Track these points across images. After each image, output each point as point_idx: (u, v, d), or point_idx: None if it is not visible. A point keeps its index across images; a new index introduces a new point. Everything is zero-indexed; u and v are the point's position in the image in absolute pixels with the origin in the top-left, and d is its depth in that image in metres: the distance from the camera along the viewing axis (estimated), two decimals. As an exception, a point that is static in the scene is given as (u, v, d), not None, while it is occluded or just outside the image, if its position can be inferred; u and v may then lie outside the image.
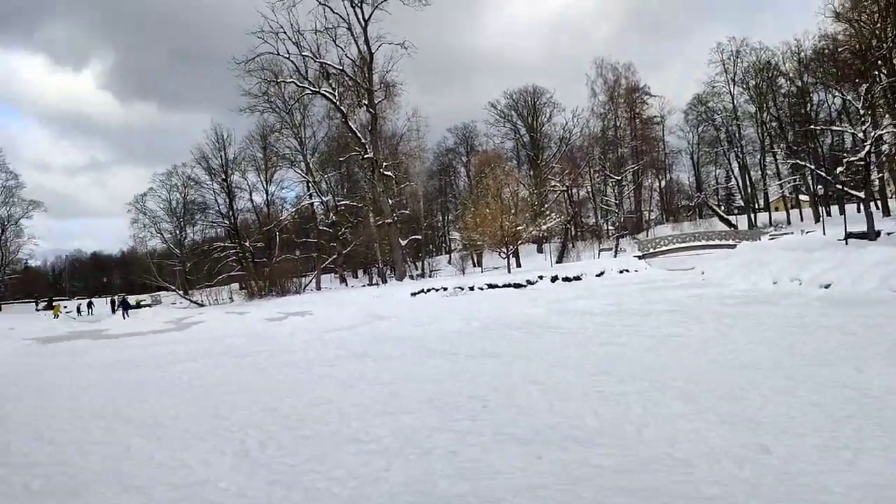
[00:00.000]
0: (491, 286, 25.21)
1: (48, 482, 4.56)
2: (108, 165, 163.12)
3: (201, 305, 45.40)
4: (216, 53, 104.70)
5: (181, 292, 52.78)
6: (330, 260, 52.84)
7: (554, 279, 26.11)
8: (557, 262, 43.27)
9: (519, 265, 44.92)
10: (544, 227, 42.97)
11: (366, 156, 43.75)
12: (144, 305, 55.33)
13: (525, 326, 12.04)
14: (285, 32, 41.22)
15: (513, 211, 36.81)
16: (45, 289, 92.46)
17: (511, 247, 36.01)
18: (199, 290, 50.26)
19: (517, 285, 25.29)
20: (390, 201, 44.81)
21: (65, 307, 49.04)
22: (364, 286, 47.23)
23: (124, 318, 35.33)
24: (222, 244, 57.98)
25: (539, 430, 4.97)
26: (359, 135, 44.13)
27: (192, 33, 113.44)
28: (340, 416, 5.98)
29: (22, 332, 27.69)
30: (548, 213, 45.91)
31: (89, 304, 52.40)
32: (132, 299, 57.99)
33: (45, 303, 79.86)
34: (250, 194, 58.84)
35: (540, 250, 54.74)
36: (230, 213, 57.33)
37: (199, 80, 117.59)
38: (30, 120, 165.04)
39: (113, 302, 46.64)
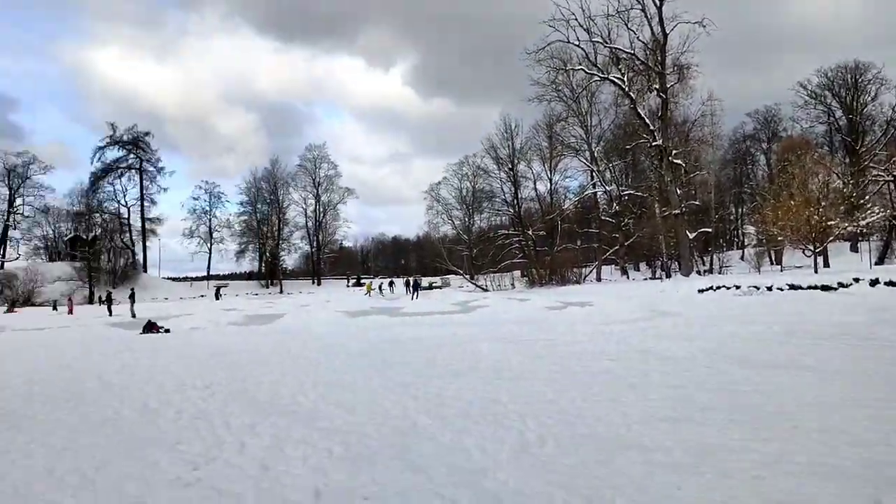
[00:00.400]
0: (793, 287, 22.29)
1: (347, 450, 4.80)
2: (408, 157, 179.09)
3: (485, 290, 47.52)
4: (507, 47, 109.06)
5: (467, 276, 55.87)
6: (612, 251, 51.80)
7: (874, 283, 22.25)
8: (877, 264, 37.16)
9: (827, 265, 39.60)
10: (862, 223, 37.15)
11: (654, 143, 41.95)
12: (435, 287, 59.84)
13: (838, 336, 10.25)
14: (576, 19, 41.15)
15: (822, 203, 32.30)
16: (355, 267, 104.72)
17: (819, 244, 31.64)
18: (484, 275, 52.74)
19: (826, 287, 22.01)
20: (679, 191, 42.35)
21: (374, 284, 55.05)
22: (646, 279, 45.49)
23: (413, 298, 38.35)
24: (506, 232, 60.21)
25: (871, 464, 3.98)
26: (647, 121, 42.43)
27: (485, 30, 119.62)
28: (622, 417, 5.49)
29: (335, 305, 31.55)
30: (867, 206, 39.61)
31: (391, 283, 58.04)
32: (424, 281, 62.99)
33: (355, 280, 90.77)
34: (534, 183, 60.22)
35: (854, 249, 47.76)
36: (515, 201, 59.24)
37: (490, 74, 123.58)
38: (348, 116, 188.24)
39: (407, 282, 50.95)
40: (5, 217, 71.09)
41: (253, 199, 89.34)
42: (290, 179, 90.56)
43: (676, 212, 41.33)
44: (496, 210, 63.27)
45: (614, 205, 52.61)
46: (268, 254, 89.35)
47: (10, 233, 72.77)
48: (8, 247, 72.51)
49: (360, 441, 5.04)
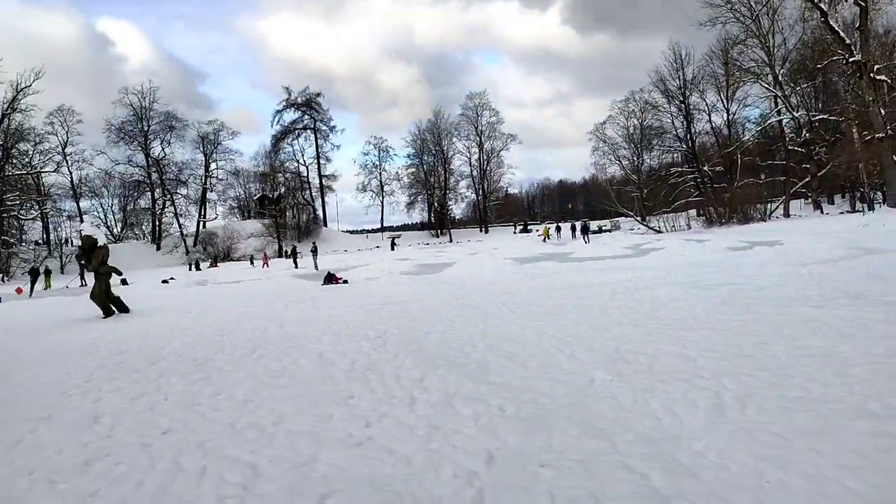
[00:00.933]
0: None
1: (520, 408, 4.48)
2: (570, 97, 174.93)
3: (658, 232, 45.30)
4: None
5: (638, 218, 53.51)
6: (801, 184, 47.13)
7: None
8: None
9: None
10: None
11: (851, 59, 37.09)
12: (604, 230, 58.06)
13: None
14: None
15: None
16: (521, 214, 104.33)
17: None
18: (656, 216, 50.24)
19: None
20: (883, 112, 37.23)
21: (536, 230, 54.36)
22: (844, 213, 40.94)
23: (586, 242, 37.32)
24: (679, 169, 56.72)
25: None
26: (842, 35, 37.48)
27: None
28: (840, 376, 4.65)
29: (503, 252, 31.49)
30: None
31: (557, 228, 57.13)
32: (593, 224, 61.29)
33: (521, 226, 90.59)
34: (709, 115, 55.90)
35: None
36: (688, 136, 55.40)
37: (653, 2, 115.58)
38: (505, 61, 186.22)
39: (573, 227, 49.74)
40: (203, 181, 78.35)
41: (419, 152, 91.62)
42: (453, 129, 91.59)
43: (881, 135, 36.47)
44: (667, 147, 59.78)
45: (803, 132, 47.39)
46: (436, 204, 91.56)
47: (208, 195, 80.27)
48: (207, 208, 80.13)
49: (534, 399, 4.68)
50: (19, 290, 30.56)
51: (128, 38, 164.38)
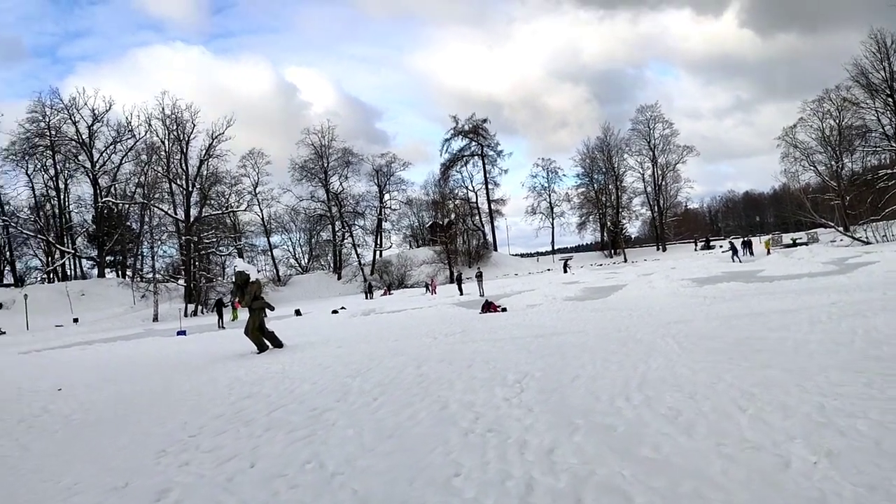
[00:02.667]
0: None
1: None
2: (751, 104, 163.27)
3: (866, 243, 39.76)
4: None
5: (840, 229, 47.44)
6: None
7: None
8: None
9: None
10: None
11: None
12: (799, 244, 52.15)
13: None
14: None
15: None
16: (702, 229, 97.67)
17: None
18: (862, 225, 44.20)
19: None
20: None
21: (720, 246, 49.92)
22: None
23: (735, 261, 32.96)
24: (889, 171, 49.67)
25: None
26: None
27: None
28: None
29: (680, 272, 28.92)
30: None
31: (744, 244, 52.22)
32: (786, 237, 55.54)
33: (703, 242, 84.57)
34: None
35: None
36: (898, 134, 48.42)
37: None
38: (679, 71, 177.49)
39: (746, 242, 45.09)
40: (377, 212, 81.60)
41: (588, 171, 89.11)
42: (623, 145, 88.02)
43: None
44: (872, 147, 52.56)
45: None
46: (609, 223, 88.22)
47: (383, 225, 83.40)
48: (382, 237, 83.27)
49: (698, 492, 3.31)
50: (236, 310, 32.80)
51: (311, 83, 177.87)
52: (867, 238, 41.04)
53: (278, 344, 13.46)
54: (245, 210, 70.94)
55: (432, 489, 3.79)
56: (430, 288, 43.97)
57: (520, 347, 9.60)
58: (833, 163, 59.03)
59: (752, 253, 43.52)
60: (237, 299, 13.67)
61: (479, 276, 34.00)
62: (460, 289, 35.91)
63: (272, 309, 13.79)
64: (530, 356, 8.59)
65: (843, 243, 43.96)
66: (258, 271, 14.90)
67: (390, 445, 4.85)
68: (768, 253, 42.87)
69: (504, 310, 18.46)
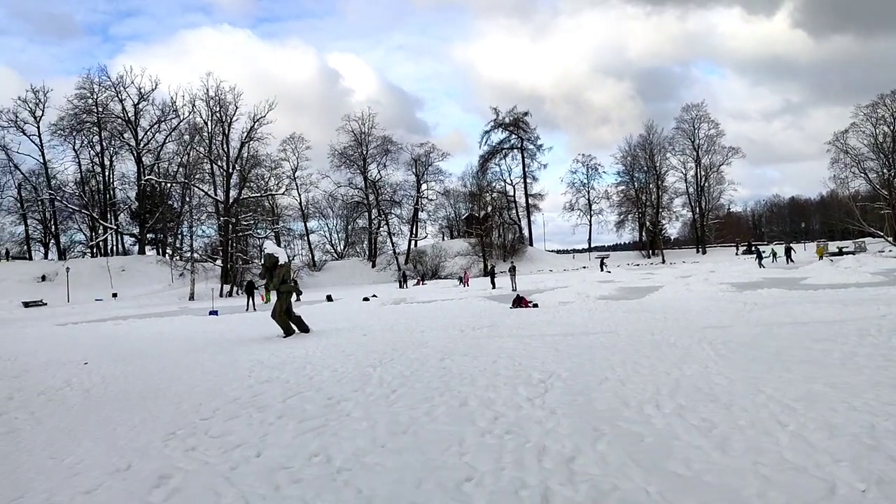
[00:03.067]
0: None
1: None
2: (801, 107, 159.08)
3: (917, 254, 38.35)
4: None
5: (890, 239, 45.81)
6: None
7: None
8: None
9: None
10: None
11: None
12: (846, 252, 50.52)
13: None
14: None
15: None
16: (745, 233, 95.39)
17: None
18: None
19: None
20: None
21: (764, 251, 48.47)
22: None
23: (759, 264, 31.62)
24: (946, 181, 47.82)
25: None
26: None
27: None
28: None
29: (720, 276, 28.16)
30: None
31: (787, 251, 50.87)
32: (833, 245, 53.99)
33: (745, 247, 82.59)
34: None
35: None
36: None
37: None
38: (726, 71, 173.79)
39: (788, 249, 43.64)
40: (415, 201, 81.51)
41: (629, 169, 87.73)
42: (666, 144, 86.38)
43: None
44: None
45: None
46: (647, 223, 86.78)
47: (420, 215, 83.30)
48: (418, 227, 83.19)
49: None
50: (263, 298, 32.99)
51: (354, 70, 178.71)
52: (919, 249, 39.56)
53: (305, 329, 13.36)
54: (283, 194, 71.49)
55: (440, 494, 3.54)
56: (462, 280, 43.70)
57: (548, 346, 9.29)
58: (885, 170, 57.06)
59: (791, 260, 42.13)
60: (266, 283, 13.57)
61: (513, 271, 33.58)
62: (493, 282, 35.55)
63: (300, 294, 13.70)
64: (558, 355, 8.28)
65: (892, 254, 42.43)
66: (289, 256, 14.80)
67: (403, 442, 4.61)
68: (821, 258, 41.45)
69: (535, 306, 18.10)
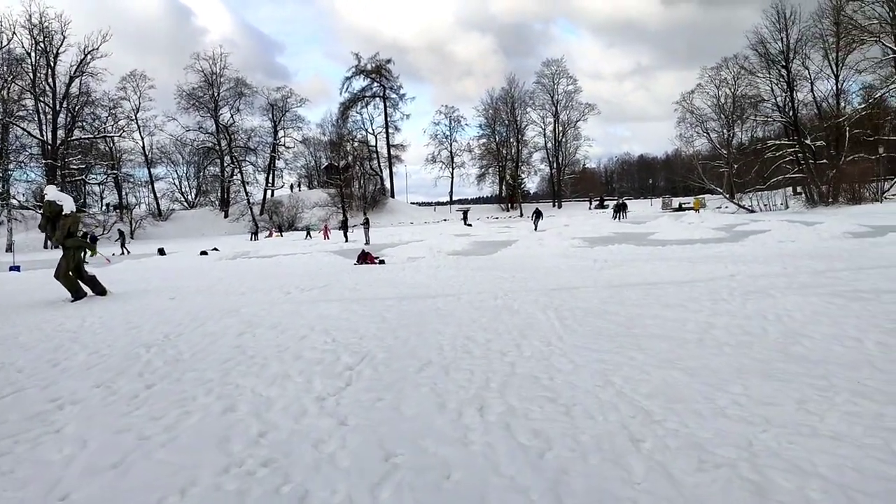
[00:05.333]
0: None
1: None
2: (650, 70, 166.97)
3: (751, 211, 40.76)
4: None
5: (727, 195, 48.59)
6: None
7: None
8: None
9: None
10: None
11: None
12: (686, 208, 53.22)
13: None
14: None
15: None
16: (598, 189, 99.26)
17: None
18: (748, 193, 45.36)
19: None
20: None
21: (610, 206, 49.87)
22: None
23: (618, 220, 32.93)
24: (778, 142, 51.11)
25: None
26: None
27: None
28: None
29: (573, 230, 28.17)
30: None
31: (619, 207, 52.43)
32: (675, 201, 56.71)
33: (598, 202, 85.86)
34: (811, 84, 49.68)
35: None
36: (790, 105, 49.56)
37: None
38: (584, 32, 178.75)
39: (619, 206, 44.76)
40: (271, 149, 77.30)
41: (491, 122, 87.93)
42: (527, 98, 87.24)
43: None
44: (764, 117, 53.74)
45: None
46: (508, 177, 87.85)
47: (277, 164, 79.24)
48: (274, 176, 79.21)
49: None
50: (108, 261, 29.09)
51: (208, 8, 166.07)
52: (752, 206, 42.05)
53: (100, 290, 11.21)
54: (121, 136, 64.88)
55: None
56: (322, 233, 41.67)
57: (376, 313, 7.91)
58: (725, 131, 60.49)
59: (625, 216, 43.15)
60: (48, 235, 11.09)
61: (366, 224, 32.06)
62: (345, 236, 33.97)
63: (93, 249, 11.44)
64: (382, 327, 6.93)
65: (729, 210, 45.02)
66: (77, 203, 12.34)
67: (95, 488, 3.04)
68: (697, 211, 42.68)
69: (382, 262, 16.77)
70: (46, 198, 10.90)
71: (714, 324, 6.18)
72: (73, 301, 10.67)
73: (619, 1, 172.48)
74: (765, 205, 41.95)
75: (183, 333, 7.14)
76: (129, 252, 27.36)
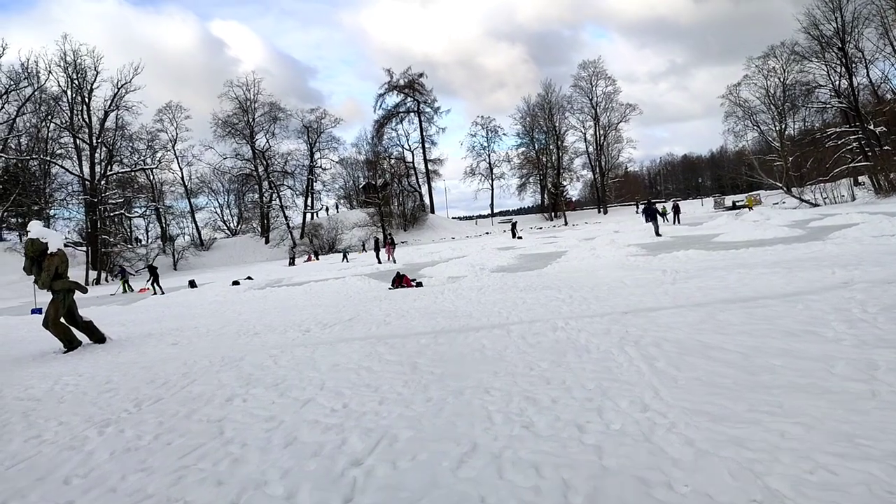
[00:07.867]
0: None
1: None
2: (685, 68, 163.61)
3: (814, 205, 37.93)
4: None
5: (784, 189, 45.62)
6: None
7: None
8: None
9: None
10: None
11: None
12: (740, 206, 50.33)
13: None
14: None
15: None
16: (643, 192, 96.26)
17: None
18: (809, 186, 42.40)
19: None
20: None
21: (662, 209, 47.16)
22: None
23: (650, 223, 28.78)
24: (837, 129, 47.96)
25: None
26: None
27: None
28: None
29: (625, 237, 26.13)
30: None
31: (674, 209, 49.54)
32: (727, 199, 53.88)
33: (645, 204, 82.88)
34: (866, 66, 46.47)
35: None
36: (850, 89, 46.33)
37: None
38: (614, 35, 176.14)
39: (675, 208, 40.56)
40: (308, 171, 76.75)
41: (529, 129, 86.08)
42: (565, 103, 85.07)
43: None
44: (821, 104, 50.52)
45: None
46: (549, 185, 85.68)
47: (315, 186, 78.57)
48: (312, 199, 78.56)
49: None
50: (144, 290, 28.35)
51: (240, 39, 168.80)
52: (815, 200, 39.26)
53: (98, 337, 9.86)
54: (157, 167, 65.00)
55: None
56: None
57: (405, 358, 6.26)
58: (776, 123, 57.40)
59: (678, 222, 37.50)
60: (35, 280, 9.65)
61: (391, 243, 30.65)
62: (378, 257, 32.52)
63: (84, 291, 10.06)
64: (412, 380, 5.28)
65: (789, 205, 42.20)
66: (65, 241, 10.98)
67: None
68: (751, 209, 39.64)
69: (419, 284, 15.14)
70: (29, 235, 9.54)
71: (875, 361, 4.33)
72: (65, 352, 9.31)
73: (647, 0, 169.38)
74: (826, 198, 39.01)
75: (161, 399, 5.60)
76: (163, 292, 26.16)
